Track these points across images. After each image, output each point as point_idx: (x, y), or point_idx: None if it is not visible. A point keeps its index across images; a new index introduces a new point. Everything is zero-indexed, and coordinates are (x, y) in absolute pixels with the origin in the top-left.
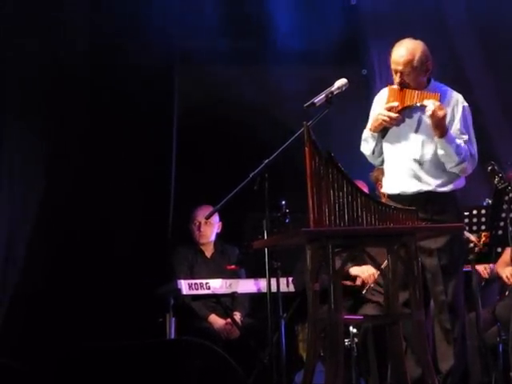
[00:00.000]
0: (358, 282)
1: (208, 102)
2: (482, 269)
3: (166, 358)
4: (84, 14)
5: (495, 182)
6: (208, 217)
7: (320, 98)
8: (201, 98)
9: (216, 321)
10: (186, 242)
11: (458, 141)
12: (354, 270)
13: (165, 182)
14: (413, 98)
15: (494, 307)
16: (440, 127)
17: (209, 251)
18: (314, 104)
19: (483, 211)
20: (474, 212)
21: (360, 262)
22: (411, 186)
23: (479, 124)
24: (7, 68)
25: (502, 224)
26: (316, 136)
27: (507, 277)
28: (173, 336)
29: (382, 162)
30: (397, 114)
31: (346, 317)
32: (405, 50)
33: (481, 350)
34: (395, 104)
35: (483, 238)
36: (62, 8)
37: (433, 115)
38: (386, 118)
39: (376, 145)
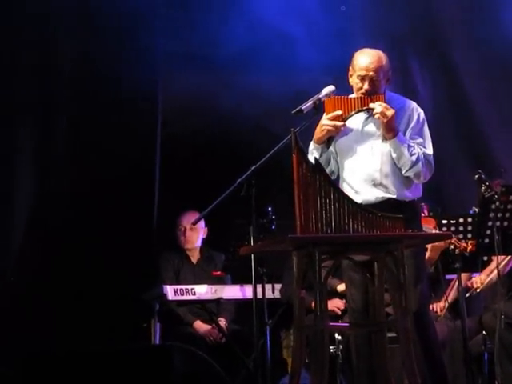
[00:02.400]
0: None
1: (194, 107)
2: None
3: (150, 364)
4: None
5: (482, 191)
6: (194, 222)
7: (308, 105)
8: (186, 104)
9: (201, 326)
10: (172, 247)
11: (412, 143)
12: (341, 287)
13: (149, 187)
14: (357, 103)
15: (480, 316)
16: (390, 128)
17: (195, 257)
18: (301, 110)
19: (469, 219)
20: (461, 220)
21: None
22: (374, 194)
23: (475, 129)
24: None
25: (488, 232)
26: (303, 142)
27: (471, 282)
28: (158, 341)
29: (330, 173)
30: (342, 123)
31: (331, 324)
32: (373, 57)
33: (466, 359)
34: (339, 112)
35: (469, 247)
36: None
37: (381, 116)
38: (330, 128)
39: (321, 156)
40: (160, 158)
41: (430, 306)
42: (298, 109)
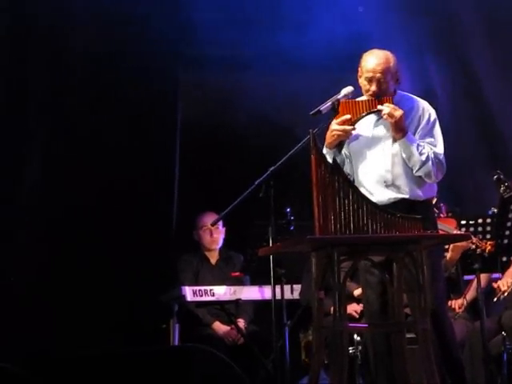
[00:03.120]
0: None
1: (211, 108)
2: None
3: (170, 365)
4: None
5: (501, 191)
6: (214, 223)
7: (326, 106)
8: (205, 106)
9: (220, 327)
10: (189, 248)
11: (421, 142)
12: (357, 292)
13: (169, 188)
14: (365, 106)
15: (499, 316)
16: (399, 128)
17: (214, 258)
18: (320, 111)
19: (488, 220)
20: (480, 221)
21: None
22: (386, 195)
23: (494, 130)
24: None
25: (507, 233)
26: (322, 144)
27: (498, 285)
28: (177, 343)
29: None
30: (351, 127)
31: (350, 325)
32: (380, 58)
33: (485, 359)
34: (348, 116)
35: (488, 247)
36: None
37: (390, 117)
38: (340, 133)
39: (334, 160)
40: (179, 158)
41: (449, 303)
42: (316, 110)
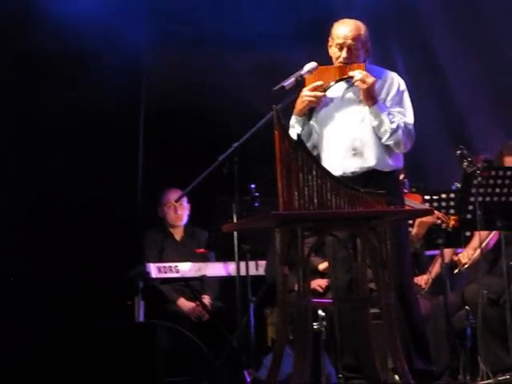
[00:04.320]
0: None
1: (177, 85)
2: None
3: (134, 342)
4: None
5: (464, 166)
6: (177, 200)
7: (290, 82)
8: (170, 82)
9: (185, 304)
10: (153, 225)
11: (392, 110)
12: (322, 266)
13: (132, 164)
14: (336, 72)
15: (462, 291)
16: (370, 95)
17: (178, 234)
18: (283, 87)
19: (452, 195)
20: (443, 196)
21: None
22: (352, 165)
23: (451, 106)
24: None
25: (470, 208)
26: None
27: (458, 258)
28: (142, 319)
29: (312, 147)
30: (322, 93)
31: (314, 300)
32: (351, 25)
33: (449, 334)
34: (320, 82)
35: (452, 222)
36: None
37: (361, 83)
38: (311, 99)
39: (303, 129)
40: (143, 135)
41: (415, 279)
42: (279, 86)
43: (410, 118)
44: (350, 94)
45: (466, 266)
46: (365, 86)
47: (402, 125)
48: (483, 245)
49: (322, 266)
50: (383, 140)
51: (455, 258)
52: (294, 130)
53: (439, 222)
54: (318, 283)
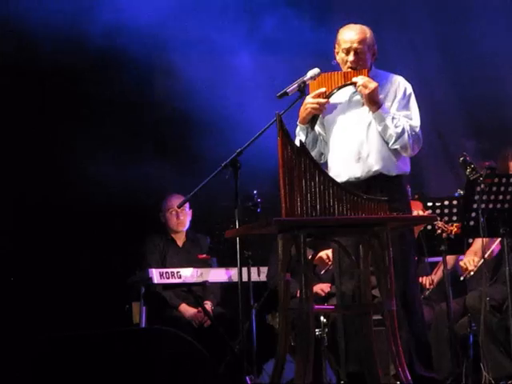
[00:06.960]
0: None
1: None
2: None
3: (136, 347)
4: None
5: (467, 173)
6: (180, 205)
7: (292, 88)
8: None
9: (187, 310)
10: (156, 231)
11: (397, 115)
12: (323, 253)
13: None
14: (340, 78)
15: (464, 298)
16: (373, 101)
17: (180, 240)
18: (286, 93)
19: (455, 202)
20: (446, 203)
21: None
22: (360, 168)
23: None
24: None
25: (473, 215)
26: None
27: (464, 263)
28: (144, 325)
29: (319, 154)
30: (325, 100)
31: (316, 306)
32: (357, 30)
33: (451, 341)
34: (323, 89)
35: (454, 229)
36: None
37: (364, 88)
38: (314, 106)
39: (307, 137)
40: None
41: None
42: (282, 91)
43: (416, 122)
44: (356, 98)
45: (471, 273)
46: (367, 92)
47: (408, 128)
48: (488, 253)
49: (322, 253)
50: (390, 144)
51: (461, 264)
52: (298, 138)
53: (439, 231)
54: (321, 287)
